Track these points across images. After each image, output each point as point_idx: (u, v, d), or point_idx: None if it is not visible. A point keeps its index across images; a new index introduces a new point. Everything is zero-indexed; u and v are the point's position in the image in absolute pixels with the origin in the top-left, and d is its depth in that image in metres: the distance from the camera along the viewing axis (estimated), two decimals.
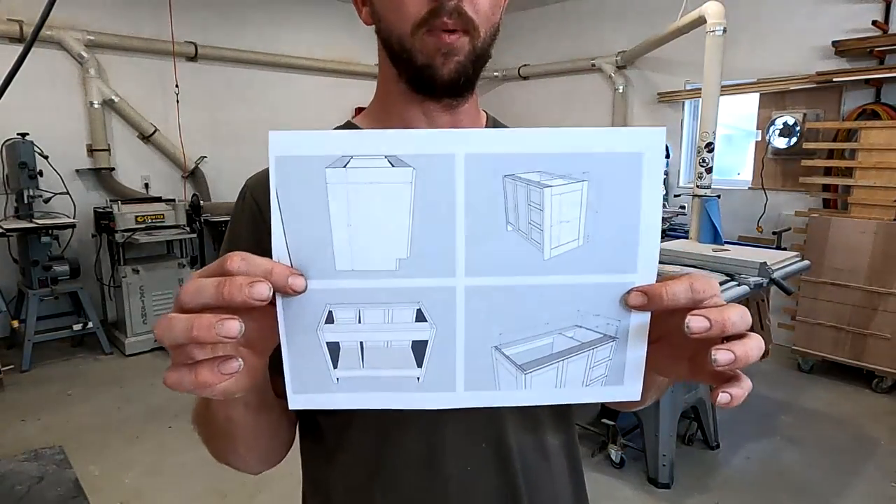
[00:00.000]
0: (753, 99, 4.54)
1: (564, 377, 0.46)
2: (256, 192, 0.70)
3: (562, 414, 0.73)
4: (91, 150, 4.59)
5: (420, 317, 0.45)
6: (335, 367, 0.46)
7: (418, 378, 0.46)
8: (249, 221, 0.69)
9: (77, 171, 4.55)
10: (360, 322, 0.44)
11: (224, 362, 0.42)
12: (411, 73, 0.62)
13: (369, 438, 0.66)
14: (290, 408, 0.47)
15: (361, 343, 0.45)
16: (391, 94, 0.67)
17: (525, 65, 6.07)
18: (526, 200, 0.43)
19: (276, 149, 0.42)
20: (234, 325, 0.39)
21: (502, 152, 0.42)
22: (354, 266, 0.43)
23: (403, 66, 0.63)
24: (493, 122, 0.77)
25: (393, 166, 0.42)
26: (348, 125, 0.73)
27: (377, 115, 0.71)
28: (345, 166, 0.42)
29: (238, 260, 0.41)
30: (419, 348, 0.45)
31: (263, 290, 0.40)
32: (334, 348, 0.45)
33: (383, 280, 0.44)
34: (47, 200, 4.19)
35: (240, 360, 0.42)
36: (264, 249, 0.58)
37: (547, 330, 0.45)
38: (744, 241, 4.38)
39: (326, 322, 0.44)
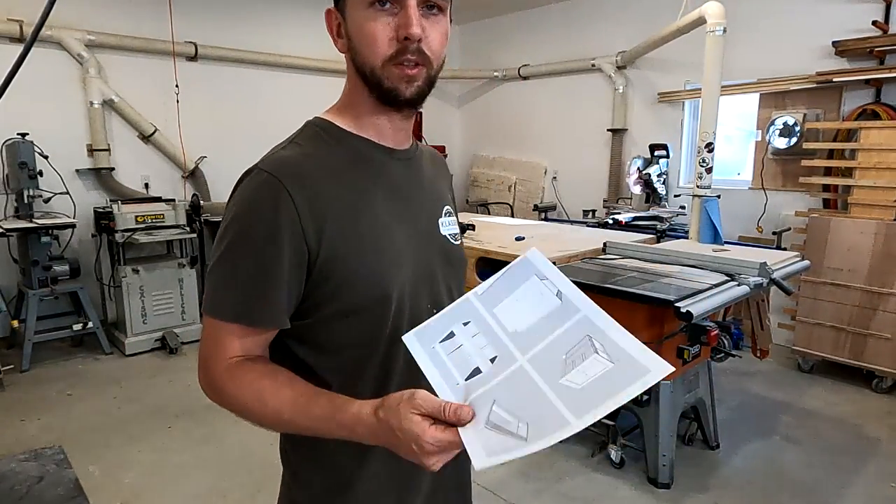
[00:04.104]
0: (753, 99, 4.55)
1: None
2: (290, 184, 0.79)
3: None
4: (91, 150, 4.59)
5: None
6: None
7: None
8: (287, 223, 0.78)
9: (77, 171, 4.55)
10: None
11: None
12: (380, 93, 0.83)
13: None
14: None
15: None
16: (362, 105, 0.88)
17: (525, 65, 6.07)
18: (582, 352, 0.66)
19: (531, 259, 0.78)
20: None
21: (596, 324, 0.68)
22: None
23: (374, 87, 0.83)
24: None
25: (556, 296, 0.73)
26: (328, 125, 0.89)
27: (353, 120, 0.89)
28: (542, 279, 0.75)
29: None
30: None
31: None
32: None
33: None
34: (47, 200, 4.19)
35: None
36: (299, 253, 0.80)
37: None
38: (744, 241, 4.38)
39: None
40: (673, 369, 0.58)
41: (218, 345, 0.82)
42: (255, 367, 0.82)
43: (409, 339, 0.76)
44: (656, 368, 0.62)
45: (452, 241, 0.97)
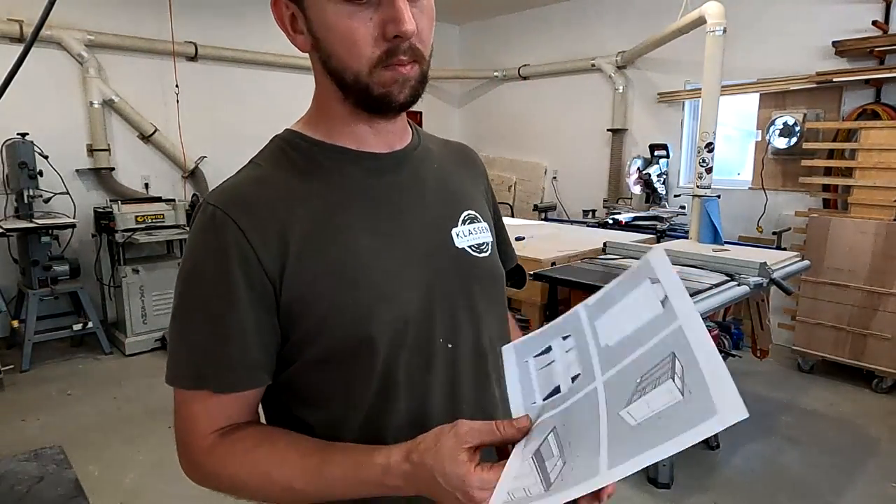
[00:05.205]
0: (753, 99, 4.54)
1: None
2: (237, 215, 0.66)
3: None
4: (91, 150, 4.59)
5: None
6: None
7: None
8: (239, 259, 0.65)
9: (77, 171, 4.55)
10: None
11: None
12: (367, 101, 0.69)
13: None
14: None
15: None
16: (336, 113, 0.73)
17: (525, 65, 6.07)
18: (658, 376, 0.55)
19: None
20: None
21: (687, 338, 0.55)
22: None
23: (358, 94, 0.68)
24: (415, 128, 0.85)
25: (660, 303, 0.60)
26: (294, 137, 0.75)
27: (326, 128, 0.74)
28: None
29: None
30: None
31: None
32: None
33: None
34: (47, 200, 4.19)
35: None
36: (260, 292, 0.67)
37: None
38: (744, 241, 4.38)
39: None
40: (747, 415, 0.48)
41: (191, 419, 0.69)
42: (244, 435, 0.68)
43: (508, 349, 0.70)
44: (726, 411, 0.50)
45: (475, 253, 0.79)
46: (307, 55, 0.72)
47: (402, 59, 0.66)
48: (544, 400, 0.63)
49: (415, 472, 0.59)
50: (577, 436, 0.57)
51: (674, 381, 0.53)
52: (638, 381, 0.56)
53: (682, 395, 0.52)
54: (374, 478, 0.62)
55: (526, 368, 0.67)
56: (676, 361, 0.54)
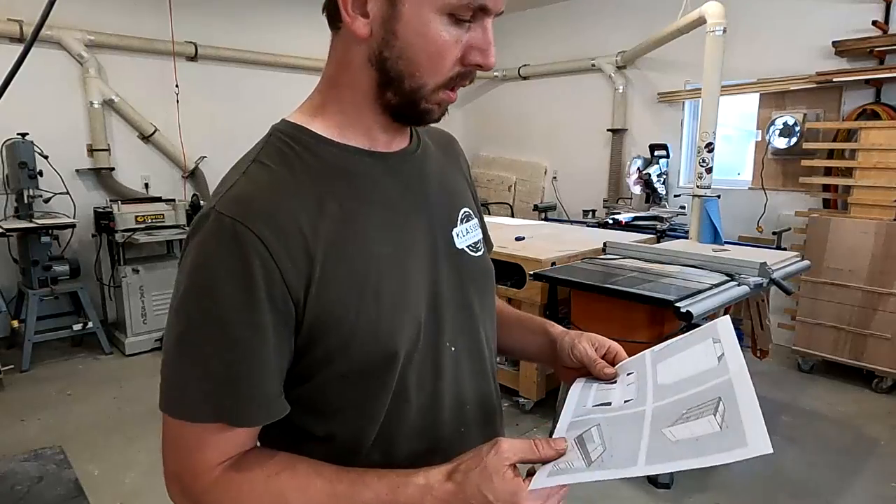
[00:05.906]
0: (753, 99, 4.54)
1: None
2: (260, 228, 0.60)
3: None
4: (91, 150, 4.59)
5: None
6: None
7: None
8: (264, 279, 0.60)
9: (77, 171, 4.55)
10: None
11: None
12: (406, 109, 0.67)
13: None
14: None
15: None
16: (355, 107, 0.69)
17: (525, 65, 6.07)
18: (702, 411, 0.62)
19: None
20: None
21: (734, 389, 0.63)
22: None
23: (403, 101, 0.67)
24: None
25: (717, 358, 0.71)
26: (297, 132, 0.69)
27: (337, 125, 0.70)
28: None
29: None
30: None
31: None
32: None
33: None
34: (47, 200, 4.19)
35: None
36: (283, 313, 0.62)
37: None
38: (744, 241, 4.38)
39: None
40: (772, 451, 0.54)
41: (197, 451, 0.66)
42: (260, 463, 0.64)
43: (580, 380, 0.81)
44: (754, 445, 0.57)
45: (473, 252, 0.78)
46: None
47: (464, 83, 0.67)
48: (593, 407, 0.72)
49: (459, 490, 0.60)
50: (619, 435, 0.64)
51: (715, 416, 0.61)
52: (684, 412, 0.63)
53: (721, 428, 0.59)
54: (413, 498, 0.61)
55: (588, 390, 0.78)
56: (721, 404, 0.62)
